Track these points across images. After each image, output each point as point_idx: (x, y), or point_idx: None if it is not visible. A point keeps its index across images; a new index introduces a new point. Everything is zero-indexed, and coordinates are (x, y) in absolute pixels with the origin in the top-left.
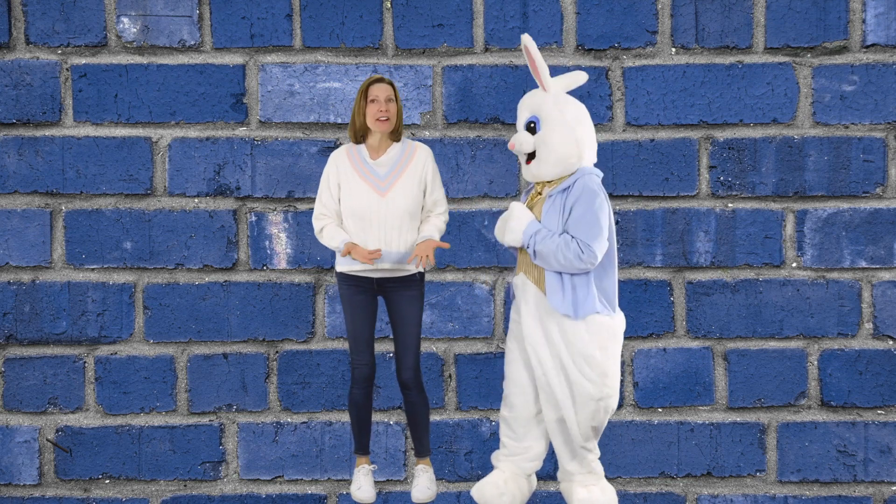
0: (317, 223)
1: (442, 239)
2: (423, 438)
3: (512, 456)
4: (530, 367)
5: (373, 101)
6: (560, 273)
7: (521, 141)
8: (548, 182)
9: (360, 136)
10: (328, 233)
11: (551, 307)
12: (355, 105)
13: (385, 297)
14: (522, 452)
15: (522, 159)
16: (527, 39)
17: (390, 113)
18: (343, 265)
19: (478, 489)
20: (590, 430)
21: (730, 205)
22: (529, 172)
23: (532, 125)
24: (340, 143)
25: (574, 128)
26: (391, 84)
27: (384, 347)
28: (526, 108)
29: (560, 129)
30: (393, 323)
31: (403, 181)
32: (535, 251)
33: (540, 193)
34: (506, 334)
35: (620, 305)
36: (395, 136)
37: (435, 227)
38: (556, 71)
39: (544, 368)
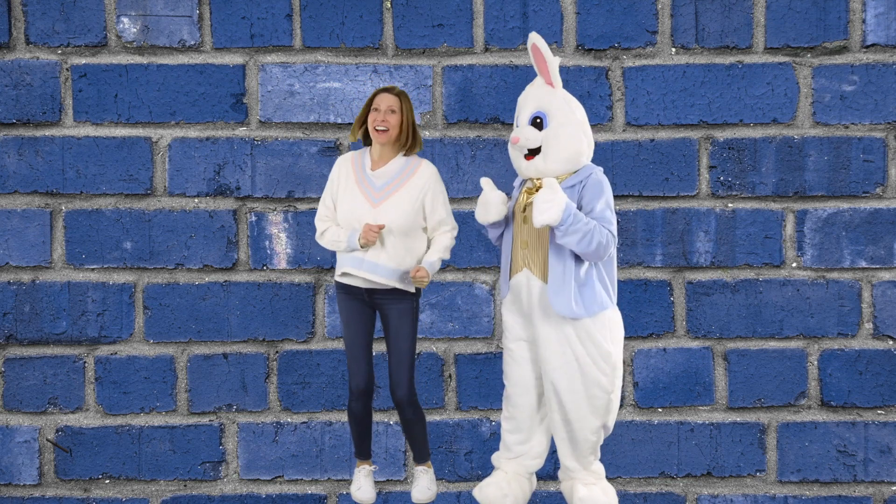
0: (320, 225)
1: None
2: (421, 449)
3: (517, 457)
4: (534, 365)
5: (375, 109)
6: (564, 275)
7: (526, 136)
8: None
9: (367, 143)
10: (330, 236)
11: (554, 307)
12: (360, 113)
13: (379, 312)
14: (526, 452)
15: (518, 155)
16: (535, 37)
17: (388, 124)
18: (336, 275)
19: (480, 490)
20: (599, 426)
21: (730, 205)
22: (532, 169)
23: (539, 121)
24: (340, 143)
25: (583, 125)
26: (399, 95)
27: (383, 347)
28: (531, 103)
29: (571, 126)
30: (385, 338)
31: (398, 197)
32: (568, 228)
33: (538, 190)
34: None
35: (620, 305)
36: (404, 149)
37: (437, 250)
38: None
39: (551, 367)
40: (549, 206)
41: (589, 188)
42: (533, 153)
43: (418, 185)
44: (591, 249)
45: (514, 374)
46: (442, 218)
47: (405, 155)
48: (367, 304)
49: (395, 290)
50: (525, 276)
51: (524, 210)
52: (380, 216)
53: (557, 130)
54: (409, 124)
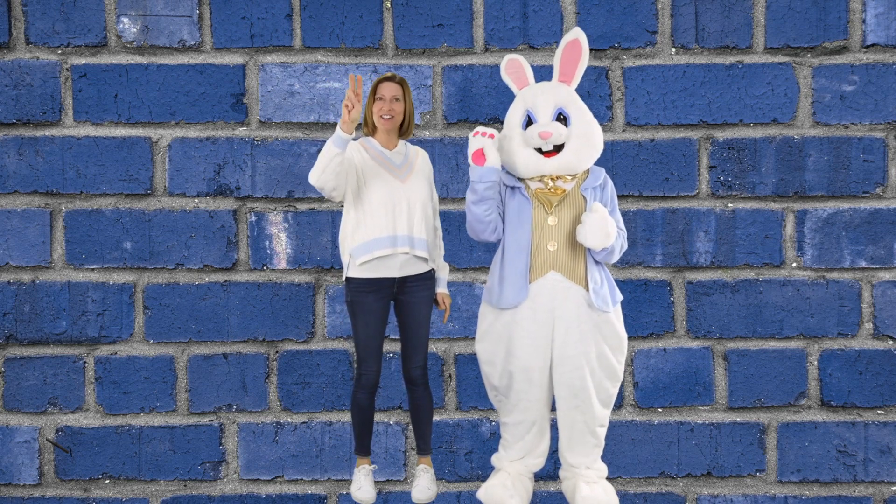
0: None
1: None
2: (426, 436)
3: (521, 457)
4: (544, 365)
5: (380, 98)
6: (599, 269)
7: (559, 132)
8: (565, 176)
9: (371, 131)
10: (318, 160)
11: (595, 304)
12: (367, 102)
13: (399, 298)
14: (531, 451)
15: (531, 153)
16: (580, 33)
17: (394, 112)
18: (363, 272)
19: (486, 492)
20: (607, 416)
21: (730, 205)
22: (553, 165)
23: (563, 117)
24: None
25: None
26: (401, 83)
27: (385, 348)
28: (550, 100)
29: (594, 122)
30: (404, 323)
31: (416, 173)
32: (613, 246)
33: (554, 190)
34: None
35: (621, 305)
36: (403, 133)
37: (445, 272)
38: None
39: (573, 364)
40: (603, 231)
41: (610, 191)
42: (556, 150)
43: (425, 168)
44: (613, 257)
45: (525, 377)
46: (437, 204)
47: (401, 138)
48: (389, 297)
49: (422, 275)
50: (552, 279)
51: (550, 212)
52: (410, 190)
53: (588, 126)
54: (410, 111)
